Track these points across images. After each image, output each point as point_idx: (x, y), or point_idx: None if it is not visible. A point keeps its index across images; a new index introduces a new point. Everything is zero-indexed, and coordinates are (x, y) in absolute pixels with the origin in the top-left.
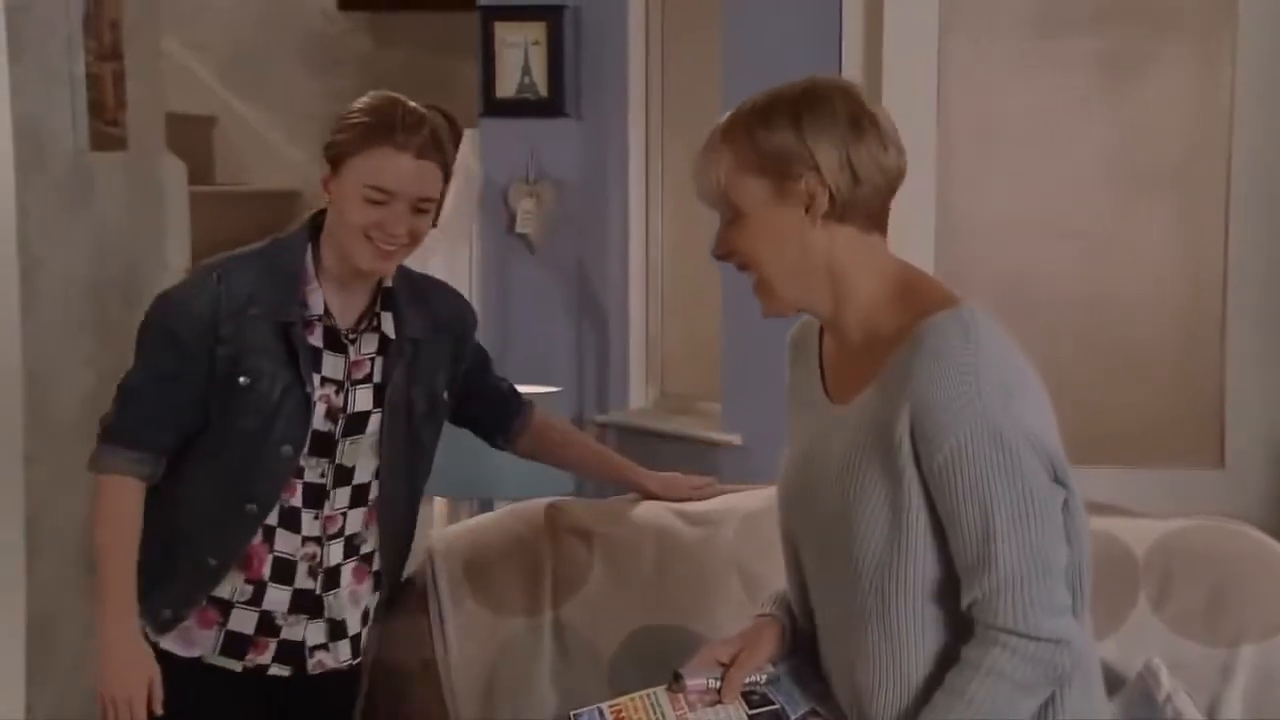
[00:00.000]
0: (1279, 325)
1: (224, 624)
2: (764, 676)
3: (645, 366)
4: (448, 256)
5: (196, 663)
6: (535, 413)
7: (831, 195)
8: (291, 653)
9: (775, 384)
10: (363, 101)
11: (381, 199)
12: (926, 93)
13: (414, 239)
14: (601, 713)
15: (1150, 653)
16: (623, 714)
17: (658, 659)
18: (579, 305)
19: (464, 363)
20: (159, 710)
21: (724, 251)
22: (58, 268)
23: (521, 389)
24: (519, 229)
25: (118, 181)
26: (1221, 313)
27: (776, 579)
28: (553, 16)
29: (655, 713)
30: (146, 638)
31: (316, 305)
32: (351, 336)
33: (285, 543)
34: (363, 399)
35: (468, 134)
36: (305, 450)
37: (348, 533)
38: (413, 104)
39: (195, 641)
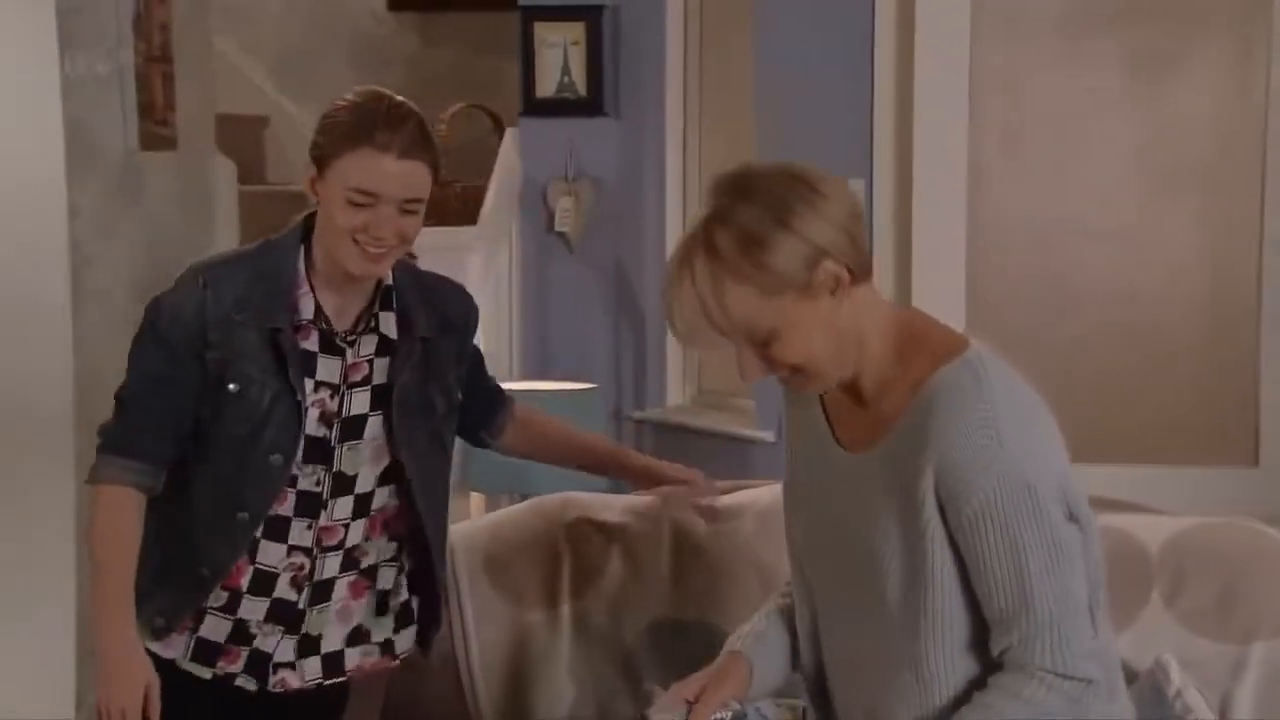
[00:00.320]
0: None
1: (195, 630)
2: (729, 714)
3: (682, 363)
4: (487, 255)
5: (171, 665)
6: (516, 407)
7: (848, 267)
8: (259, 664)
9: None
10: (345, 99)
11: (366, 202)
12: (958, 93)
13: (403, 240)
14: None
15: (1162, 649)
16: None
17: (675, 651)
18: (617, 303)
19: (466, 361)
20: (156, 719)
21: (774, 372)
22: (108, 267)
23: (559, 386)
24: (558, 227)
25: (168, 181)
26: (1256, 310)
27: None
28: (592, 16)
29: None
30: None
31: (307, 309)
32: (350, 339)
33: (268, 554)
34: (359, 402)
35: (509, 133)
36: (299, 458)
37: (348, 545)
38: (399, 99)
39: (170, 644)
